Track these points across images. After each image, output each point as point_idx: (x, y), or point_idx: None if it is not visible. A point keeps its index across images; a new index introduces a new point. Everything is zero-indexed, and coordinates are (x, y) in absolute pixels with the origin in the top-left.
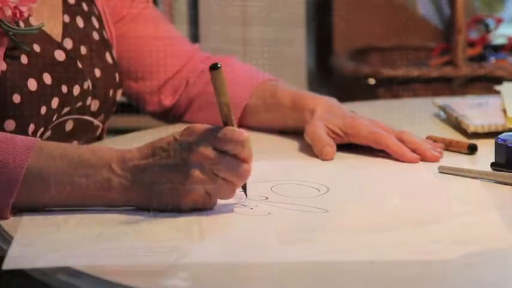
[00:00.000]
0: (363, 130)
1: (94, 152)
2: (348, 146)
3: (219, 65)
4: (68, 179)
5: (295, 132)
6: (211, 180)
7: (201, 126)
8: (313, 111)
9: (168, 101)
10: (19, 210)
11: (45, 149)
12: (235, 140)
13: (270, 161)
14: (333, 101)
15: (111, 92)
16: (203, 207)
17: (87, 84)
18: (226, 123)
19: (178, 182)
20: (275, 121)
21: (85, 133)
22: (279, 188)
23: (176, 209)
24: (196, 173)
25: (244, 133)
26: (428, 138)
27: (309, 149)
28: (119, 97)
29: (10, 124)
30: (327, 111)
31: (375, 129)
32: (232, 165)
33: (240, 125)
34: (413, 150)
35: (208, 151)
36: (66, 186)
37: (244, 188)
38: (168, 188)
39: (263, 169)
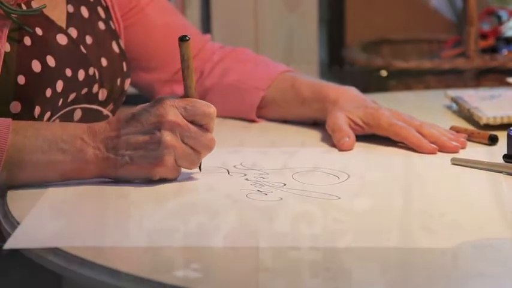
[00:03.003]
0: (383, 122)
1: (64, 128)
2: (371, 135)
3: (187, 37)
4: (44, 157)
5: (315, 124)
6: (181, 147)
7: (170, 98)
8: (336, 101)
9: (180, 90)
10: None
11: (19, 130)
12: (206, 112)
13: (292, 149)
14: (354, 91)
15: (118, 81)
16: (170, 177)
17: (93, 70)
18: (187, 94)
19: (151, 148)
20: (294, 112)
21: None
22: (300, 175)
23: (147, 178)
24: (168, 138)
25: (212, 106)
26: (451, 128)
27: (330, 139)
28: (128, 86)
29: (16, 106)
30: (349, 102)
31: (395, 121)
32: (200, 134)
33: (259, 116)
34: (433, 143)
35: (179, 119)
36: (43, 163)
37: (199, 163)
38: (140, 156)
39: (285, 157)
